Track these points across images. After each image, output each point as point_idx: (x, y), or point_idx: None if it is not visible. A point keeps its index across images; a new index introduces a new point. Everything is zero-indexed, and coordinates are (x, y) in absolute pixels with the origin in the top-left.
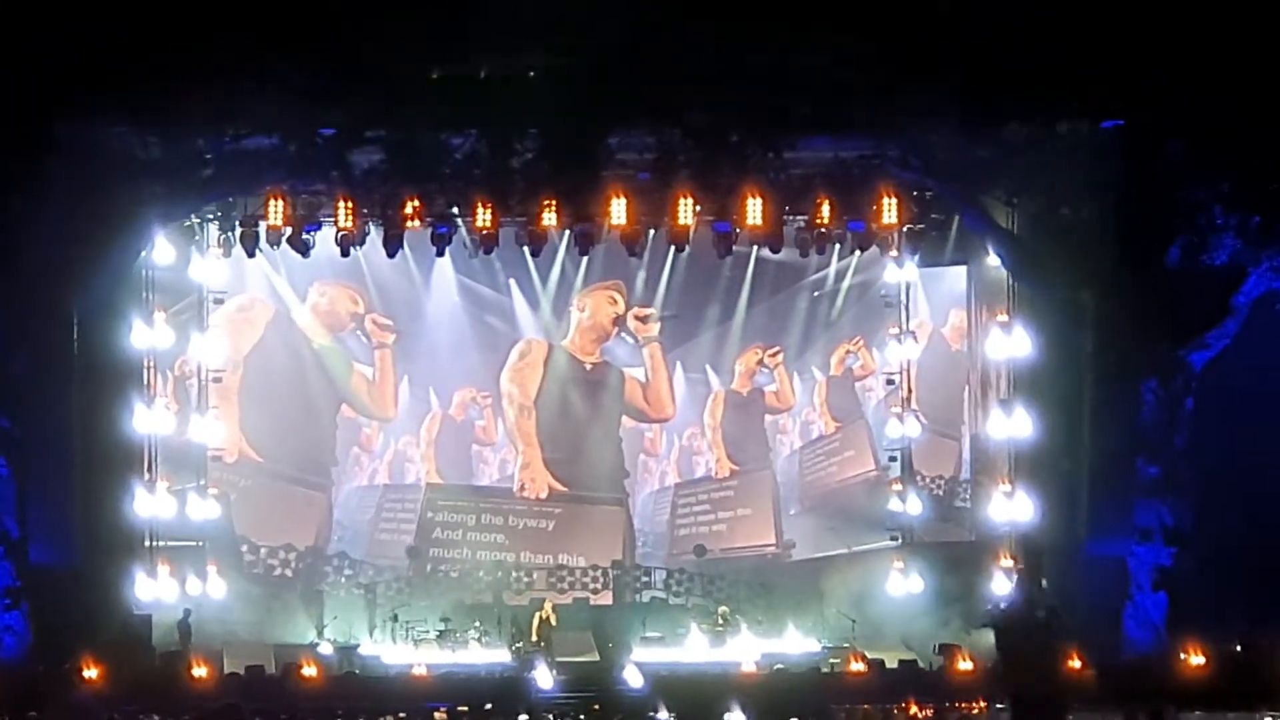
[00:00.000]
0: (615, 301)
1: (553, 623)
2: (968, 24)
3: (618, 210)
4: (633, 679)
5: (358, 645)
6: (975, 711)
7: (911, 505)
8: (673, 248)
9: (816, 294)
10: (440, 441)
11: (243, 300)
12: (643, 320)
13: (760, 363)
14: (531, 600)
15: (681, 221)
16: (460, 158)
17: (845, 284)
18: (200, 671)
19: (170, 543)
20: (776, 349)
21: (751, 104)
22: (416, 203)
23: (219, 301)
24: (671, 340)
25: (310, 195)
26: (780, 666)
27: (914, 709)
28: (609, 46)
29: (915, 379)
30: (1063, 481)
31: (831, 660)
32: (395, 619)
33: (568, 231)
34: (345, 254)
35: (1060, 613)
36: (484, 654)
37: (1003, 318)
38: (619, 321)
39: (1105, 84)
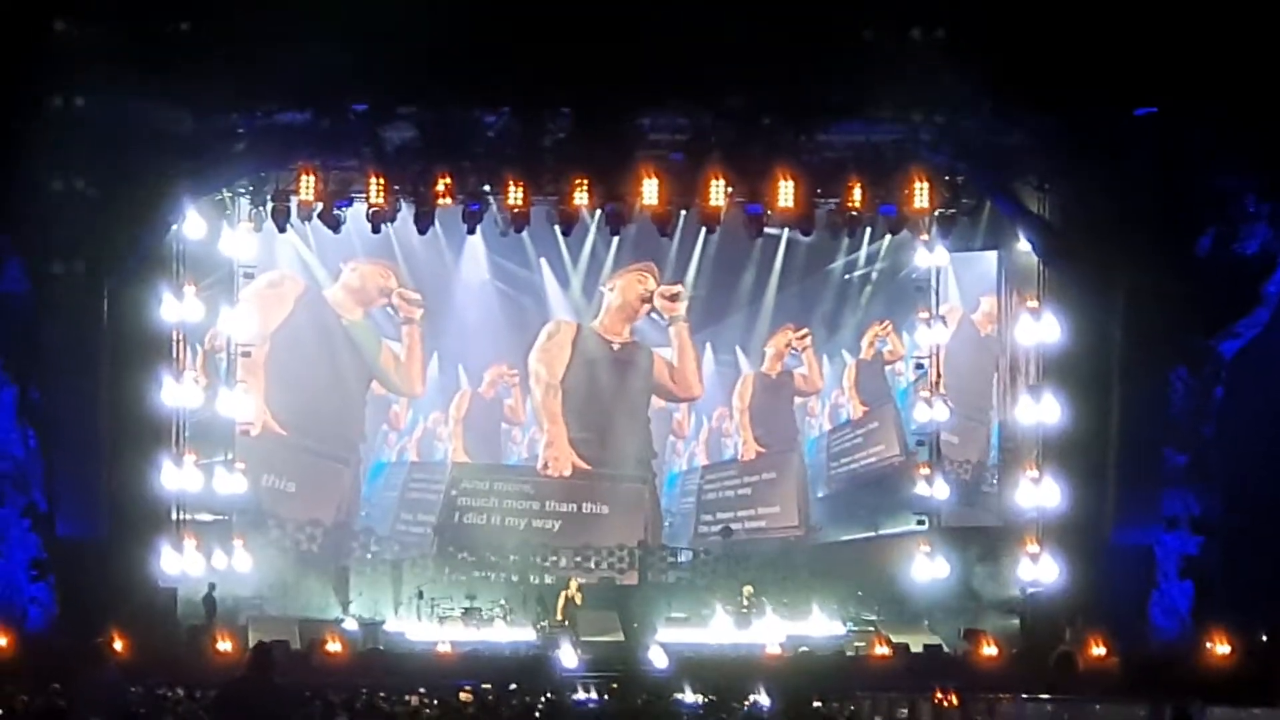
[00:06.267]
0: (644, 280)
1: (578, 602)
2: (1000, 10)
3: (649, 190)
4: (657, 659)
5: (383, 622)
6: (1003, 701)
7: (938, 489)
8: (704, 229)
9: (847, 277)
10: (469, 419)
11: (273, 276)
12: (670, 299)
13: (789, 345)
14: (557, 579)
15: (713, 202)
16: (493, 135)
17: (876, 267)
18: (225, 646)
19: (197, 516)
20: (805, 332)
21: (784, 86)
22: (448, 180)
23: (249, 276)
24: (701, 321)
25: (342, 171)
26: (805, 649)
27: (938, 695)
28: (643, 27)
29: (944, 363)
30: (1090, 468)
31: (856, 643)
32: (420, 596)
33: (599, 211)
34: (376, 230)
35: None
36: (509, 632)
37: (1033, 303)
38: (648, 300)
39: (1138, 72)
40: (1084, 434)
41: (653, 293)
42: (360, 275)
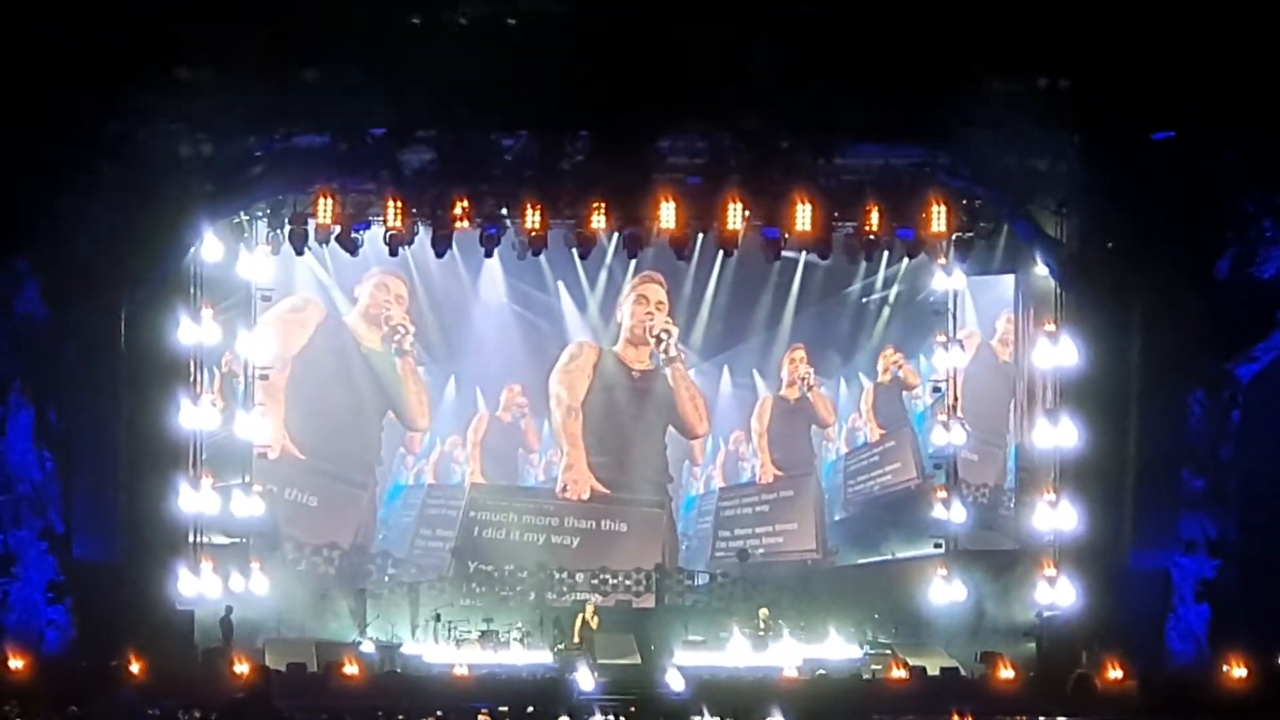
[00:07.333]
0: (646, 301)
1: (594, 625)
2: (1018, 34)
3: (667, 213)
4: (674, 682)
5: (400, 644)
6: None
7: (955, 513)
8: (721, 252)
9: (865, 301)
10: (486, 442)
11: (296, 301)
12: (657, 339)
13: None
14: (574, 602)
15: (730, 226)
16: (510, 158)
17: (893, 291)
18: (241, 668)
19: (214, 539)
20: (810, 370)
21: (803, 110)
22: (466, 203)
23: (266, 299)
24: (719, 344)
25: (360, 194)
26: (822, 672)
27: (955, 718)
28: (661, 50)
29: (961, 387)
30: (1107, 492)
31: (873, 666)
32: (437, 618)
33: (616, 234)
34: (394, 253)
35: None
36: (526, 655)
37: (1050, 327)
38: (649, 327)
39: (1157, 95)
40: (1101, 457)
41: (653, 313)
42: (369, 291)
